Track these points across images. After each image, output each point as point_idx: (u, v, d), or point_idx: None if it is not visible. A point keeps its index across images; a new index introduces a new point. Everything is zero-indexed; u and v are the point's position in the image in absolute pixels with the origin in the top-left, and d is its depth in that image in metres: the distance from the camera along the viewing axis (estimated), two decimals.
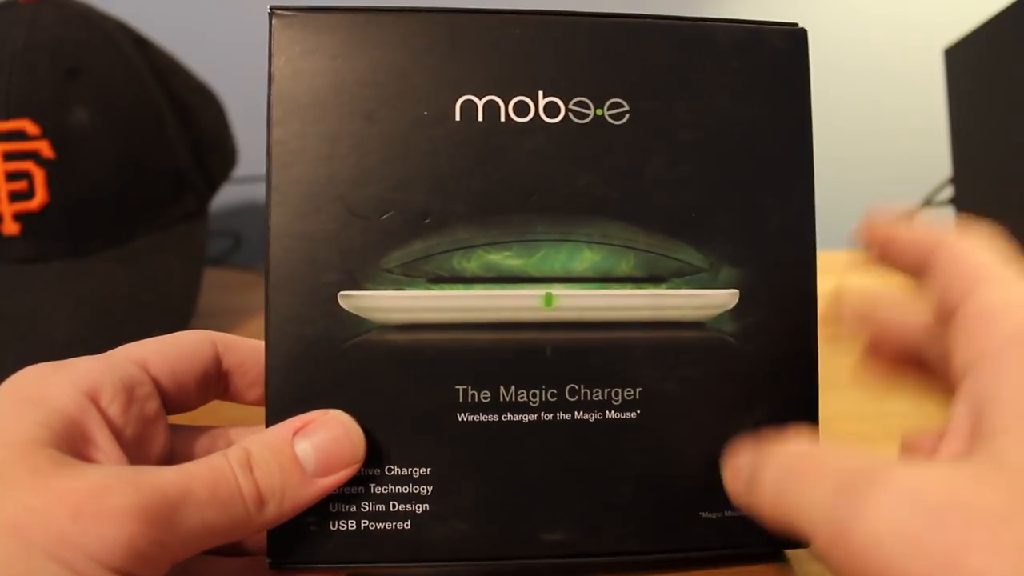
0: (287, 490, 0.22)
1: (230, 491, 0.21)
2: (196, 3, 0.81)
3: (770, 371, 0.26)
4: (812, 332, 0.26)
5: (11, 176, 0.45)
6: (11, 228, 0.45)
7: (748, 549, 0.26)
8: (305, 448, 0.22)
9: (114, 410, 0.22)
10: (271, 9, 0.25)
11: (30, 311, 0.44)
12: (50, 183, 0.45)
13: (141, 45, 0.52)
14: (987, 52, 0.49)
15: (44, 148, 0.45)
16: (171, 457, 0.24)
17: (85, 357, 0.23)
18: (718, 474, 0.25)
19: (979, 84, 0.51)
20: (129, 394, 0.22)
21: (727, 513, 0.25)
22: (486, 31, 0.25)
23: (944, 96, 0.56)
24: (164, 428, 0.24)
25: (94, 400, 0.22)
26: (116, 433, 0.22)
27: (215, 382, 0.26)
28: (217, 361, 0.25)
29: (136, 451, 0.23)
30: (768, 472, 0.21)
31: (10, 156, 0.45)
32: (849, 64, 0.85)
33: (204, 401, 0.26)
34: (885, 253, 0.25)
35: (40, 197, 0.45)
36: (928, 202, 0.74)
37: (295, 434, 0.23)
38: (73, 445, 0.20)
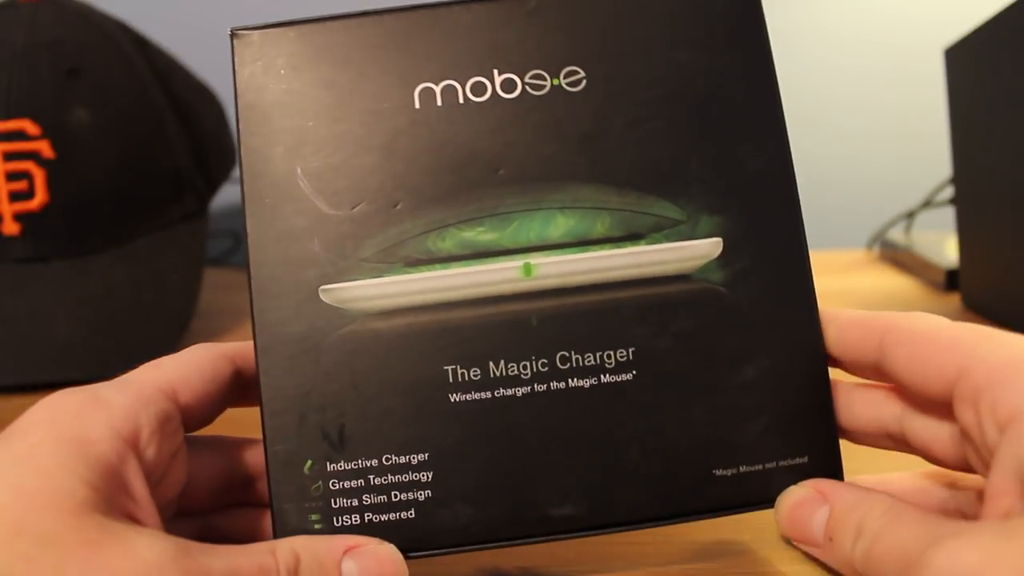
0: None
1: None
2: (196, 3, 0.81)
3: (767, 316, 0.25)
4: (806, 270, 0.25)
5: (11, 176, 0.45)
6: (11, 228, 0.45)
7: (768, 505, 0.25)
8: (350, 569, 0.22)
9: (150, 453, 0.22)
10: (231, 32, 0.26)
11: (30, 311, 0.44)
12: (50, 183, 0.45)
13: (141, 45, 0.52)
14: (987, 52, 0.49)
15: (44, 148, 0.45)
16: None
17: (116, 387, 0.23)
18: (727, 429, 0.24)
19: (979, 84, 0.51)
20: (163, 433, 0.23)
21: (742, 468, 0.24)
22: (435, 23, 0.26)
23: (944, 96, 0.56)
24: (184, 458, 0.24)
25: (133, 446, 0.22)
26: (148, 476, 0.22)
27: (231, 399, 0.26)
28: (235, 377, 0.25)
29: (162, 488, 0.23)
30: (846, 535, 0.22)
31: (10, 156, 0.45)
32: (849, 64, 0.85)
33: (216, 417, 0.26)
34: (841, 353, 0.25)
35: (40, 197, 0.45)
36: (928, 202, 0.74)
37: (345, 552, 0.23)
38: (114, 502, 0.20)
